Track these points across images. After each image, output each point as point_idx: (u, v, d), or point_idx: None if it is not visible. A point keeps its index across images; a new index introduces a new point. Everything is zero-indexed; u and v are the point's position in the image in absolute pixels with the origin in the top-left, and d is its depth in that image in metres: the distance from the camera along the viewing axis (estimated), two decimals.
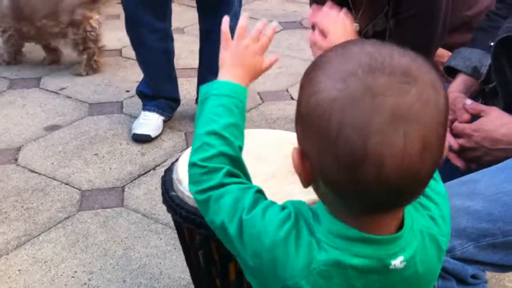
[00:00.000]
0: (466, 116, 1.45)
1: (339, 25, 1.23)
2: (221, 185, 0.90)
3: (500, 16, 1.59)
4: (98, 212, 2.21)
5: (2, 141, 2.69)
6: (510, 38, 1.37)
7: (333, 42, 1.18)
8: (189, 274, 1.59)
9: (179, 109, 2.88)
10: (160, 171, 2.37)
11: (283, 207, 0.86)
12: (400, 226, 0.82)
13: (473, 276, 1.24)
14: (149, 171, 2.47)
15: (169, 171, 1.42)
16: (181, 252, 1.54)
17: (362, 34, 1.92)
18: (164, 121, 2.79)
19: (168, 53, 2.75)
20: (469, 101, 1.48)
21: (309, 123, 0.75)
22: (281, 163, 1.35)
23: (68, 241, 2.05)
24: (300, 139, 0.80)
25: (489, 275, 1.52)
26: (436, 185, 0.92)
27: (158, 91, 2.76)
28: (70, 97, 3.12)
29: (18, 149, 2.63)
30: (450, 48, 1.85)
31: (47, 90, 3.20)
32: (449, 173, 1.13)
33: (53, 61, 3.52)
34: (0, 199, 2.27)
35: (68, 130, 2.79)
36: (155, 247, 2.02)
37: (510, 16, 1.45)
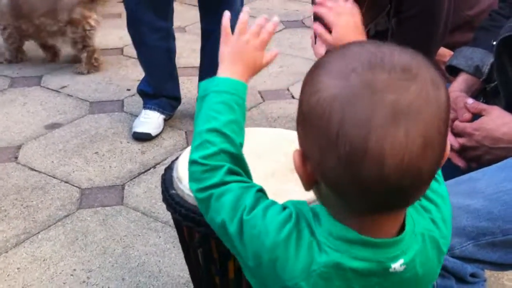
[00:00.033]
0: (467, 115, 1.45)
1: (345, 17, 1.19)
2: (222, 183, 0.90)
3: (503, 15, 1.59)
4: (98, 210, 2.21)
5: (2, 139, 2.69)
6: None
7: (338, 36, 1.17)
8: (188, 272, 1.59)
9: (180, 107, 2.88)
10: (160, 169, 2.36)
11: (284, 207, 0.86)
12: (402, 229, 0.81)
13: (472, 275, 1.24)
14: (149, 169, 2.47)
15: (169, 169, 1.42)
16: (181, 250, 1.54)
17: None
18: (165, 120, 2.79)
19: (170, 52, 2.75)
20: (470, 100, 1.48)
21: (310, 123, 0.75)
22: (281, 161, 1.35)
23: (68, 239, 2.05)
24: (301, 140, 0.79)
25: (488, 273, 1.51)
26: (438, 186, 0.91)
27: (159, 90, 2.75)
28: (71, 96, 3.12)
29: (19, 147, 2.63)
30: (451, 47, 1.85)
31: (48, 88, 3.20)
32: (450, 172, 1.12)
33: (53, 59, 3.51)
34: (0, 197, 2.27)
35: (69, 129, 2.79)
36: (155, 245, 2.02)
37: None
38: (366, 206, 0.76)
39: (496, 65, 1.44)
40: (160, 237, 2.06)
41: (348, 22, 1.18)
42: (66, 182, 2.37)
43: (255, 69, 1.06)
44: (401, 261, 0.79)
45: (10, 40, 3.41)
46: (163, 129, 2.75)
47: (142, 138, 2.67)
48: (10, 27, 3.34)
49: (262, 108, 2.98)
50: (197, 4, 2.73)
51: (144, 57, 2.77)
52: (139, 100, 2.88)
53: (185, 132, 2.76)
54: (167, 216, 2.06)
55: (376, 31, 1.95)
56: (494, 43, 1.44)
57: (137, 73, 3.16)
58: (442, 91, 0.74)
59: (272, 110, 2.97)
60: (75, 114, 2.92)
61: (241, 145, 0.96)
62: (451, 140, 1.41)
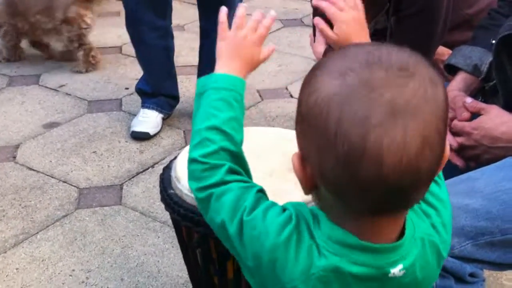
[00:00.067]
0: (466, 114, 1.45)
1: (348, 12, 1.15)
2: (223, 182, 0.89)
3: (502, 14, 1.59)
4: (96, 210, 2.20)
5: (0, 139, 2.69)
6: (511, 36, 1.36)
7: (341, 32, 1.15)
8: (187, 273, 1.59)
9: (178, 106, 2.87)
10: (159, 169, 2.36)
11: (284, 209, 0.85)
12: (401, 234, 0.80)
13: (471, 275, 1.24)
14: (147, 169, 2.46)
15: (167, 169, 1.42)
16: (179, 250, 1.54)
17: None
18: (163, 119, 2.78)
19: (168, 51, 2.75)
20: (469, 99, 1.47)
21: (308, 123, 0.75)
22: (280, 161, 1.35)
23: (66, 239, 2.04)
24: (300, 142, 0.79)
25: (486, 273, 1.51)
26: (438, 191, 0.90)
27: (158, 89, 2.75)
28: (69, 94, 3.11)
29: (17, 146, 2.63)
30: (450, 46, 1.84)
31: (46, 87, 3.20)
32: (448, 171, 1.12)
33: (50, 57, 3.51)
34: None
35: (67, 128, 2.78)
36: (153, 245, 2.01)
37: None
38: (366, 207, 0.75)
39: (495, 64, 1.44)
40: (158, 237, 2.05)
41: (351, 18, 1.15)
42: (64, 181, 2.37)
43: (253, 65, 1.05)
44: (400, 266, 0.79)
45: (7, 37, 3.40)
46: (161, 128, 2.74)
47: (140, 137, 2.66)
48: (6, 25, 3.34)
49: (260, 107, 2.98)
50: (196, 3, 2.73)
51: (142, 56, 2.76)
52: (137, 99, 2.88)
53: (184, 131, 2.76)
54: (166, 216, 2.05)
55: (375, 30, 1.95)
56: (493, 42, 1.43)
57: (135, 71, 3.16)
58: (441, 90, 0.73)
59: (271, 109, 2.97)
60: (73, 113, 2.92)
61: (241, 142, 0.95)
62: (449, 139, 1.40)
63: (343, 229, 0.79)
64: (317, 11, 1.25)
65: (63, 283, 1.85)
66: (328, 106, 0.71)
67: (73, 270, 1.91)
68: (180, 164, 1.36)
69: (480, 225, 1.20)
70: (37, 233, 2.08)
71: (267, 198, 0.89)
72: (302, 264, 0.80)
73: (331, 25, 1.19)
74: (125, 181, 2.37)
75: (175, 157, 1.43)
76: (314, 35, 1.99)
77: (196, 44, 2.87)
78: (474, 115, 1.44)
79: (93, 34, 3.53)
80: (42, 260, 1.95)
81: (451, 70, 1.61)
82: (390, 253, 0.79)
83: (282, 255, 0.81)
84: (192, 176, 0.93)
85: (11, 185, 2.34)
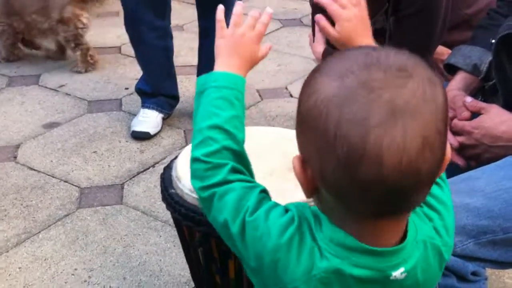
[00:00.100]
0: (466, 114, 1.45)
1: (350, 10, 1.14)
2: (226, 182, 0.89)
3: (501, 14, 1.59)
4: (98, 209, 2.21)
5: (1, 139, 2.69)
6: (511, 36, 1.37)
7: (342, 30, 1.13)
8: (189, 271, 1.59)
9: (178, 106, 2.88)
10: (159, 168, 2.36)
11: (286, 210, 0.85)
12: (404, 236, 0.81)
13: (474, 273, 1.24)
14: (148, 168, 2.47)
15: (168, 168, 1.42)
16: (181, 249, 1.54)
17: None
18: (163, 119, 2.78)
19: (167, 51, 2.75)
20: (469, 99, 1.48)
21: (308, 125, 0.75)
22: (280, 160, 1.35)
23: (68, 239, 2.05)
24: (300, 144, 0.79)
25: (489, 271, 1.52)
26: (441, 194, 0.90)
27: (157, 89, 2.75)
28: (69, 95, 3.12)
29: (17, 146, 2.63)
30: (449, 45, 1.85)
31: (46, 87, 3.20)
32: (449, 170, 1.13)
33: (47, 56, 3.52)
34: None
35: (67, 128, 2.78)
36: (155, 244, 2.02)
37: (511, 14, 1.45)
38: (367, 210, 0.75)
39: (495, 63, 1.45)
40: (160, 236, 2.06)
41: (353, 15, 1.14)
42: (65, 181, 2.37)
43: (252, 63, 1.05)
44: (402, 269, 0.79)
45: (4, 37, 3.40)
46: (161, 128, 2.75)
47: (140, 137, 2.67)
48: (2, 24, 3.33)
49: (260, 107, 2.99)
50: (194, 3, 2.73)
51: (142, 56, 2.77)
52: (137, 99, 2.88)
53: (184, 131, 2.76)
54: (167, 215, 2.06)
55: (374, 29, 1.95)
56: (493, 41, 1.44)
57: (135, 71, 3.16)
58: (440, 91, 0.73)
59: (271, 108, 2.97)
60: (74, 113, 2.92)
61: (243, 141, 0.95)
62: (450, 138, 1.41)
63: (344, 231, 0.79)
64: (317, 10, 1.23)
65: (65, 282, 1.86)
66: (327, 108, 0.71)
67: (76, 269, 1.92)
68: (180, 164, 1.36)
69: (482, 223, 1.20)
70: (39, 232, 2.08)
71: (269, 199, 0.89)
72: (303, 265, 0.80)
73: (332, 23, 1.17)
74: (126, 181, 2.38)
75: (176, 157, 1.43)
76: (314, 35, 2.00)
77: (195, 44, 2.87)
78: (474, 114, 1.45)
79: (92, 34, 3.54)
80: (45, 259, 1.96)
81: (450, 69, 1.62)
82: (391, 256, 0.79)
83: (284, 256, 0.81)
84: (194, 175, 0.93)
85: (12, 185, 2.35)
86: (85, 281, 1.86)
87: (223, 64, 1.00)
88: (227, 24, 1.05)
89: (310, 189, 0.80)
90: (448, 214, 0.89)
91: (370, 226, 0.78)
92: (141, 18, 2.59)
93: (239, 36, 1.03)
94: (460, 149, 1.43)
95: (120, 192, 2.31)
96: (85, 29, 3.30)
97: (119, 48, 3.67)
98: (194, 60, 2.90)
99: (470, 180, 1.27)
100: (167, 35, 2.72)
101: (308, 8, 2.44)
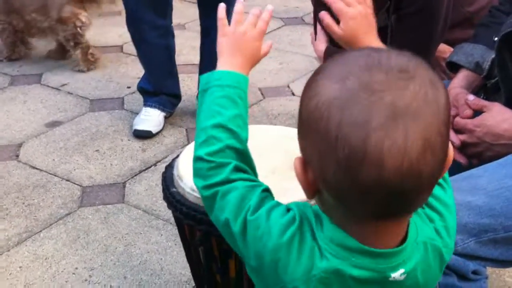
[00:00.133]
0: (468, 112, 1.45)
1: (355, 7, 1.13)
2: (228, 181, 0.89)
3: (503, 11, 1.59)
4: (99, 208, 2.21)
5: (3, 138, 2.69)
6: None
7: (347, 28, 1.13)
8: (189, 270, 1.59)
9: (180, 105, 2.88)
10: (161, 167, 2.37)
11: (288, 209, 0.85)
12: (404, 238, 0.80)
13: (474, 272, 1.24)
14: (150, 167, 2.47)
15: (169, 167, 1.42)
16: (182, 248, 1.54)
17: None
18: (165, 117, 2.79)
19: (169, 50, 2.75)
20: (471, 97, 1.47)
21: (309, 127, 0.74)
22: (282, 159, 1.35)
23: (69, 238, 2.05)
24: (302, 147, 0.78)
25: (489, 270, 1.52)
26: (443, 195, 0.90)
27: (159, 87, 2.75)
28: (71, 93, 3.12)
29: (20, 145, 2.63)
30: (451, 43, 1.85)
31: (48, 86, 3.20)
32: (451, 169, 1.12)
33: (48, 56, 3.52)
34: (1, 196, 2.27)
35: (69, 126, 2.79)
36: (156, 243, 2.02)
37: None
38: (368, 212, 0.75)
39: (497, 61, 1.44)
40: (161, 235, 2.06)
41: (358, 13, 1.13)
42: (67, 180, 2.37)
43: (254, 60, 1.04)
44: (401, 270, 0.79)
45: (4, 35, 3.40)
46: (163, 126, 2.75)
47: (142, 135, 2.67)
48: (2, 23, 3.33)
49: (262, 105, 2.98)
50: (196, 1, 2.73)
51: (144, 55, 2.77)
52: (139, 97, 2.88)
53: (186, 130, 2.76)
54: (169, 214, 2.06)
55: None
56: (496, 39, 1.43)
57: (137, 70, 3.16)
58: (441, 92, 0.73)
59: (273, 107, 2.97)
60: (76, 112, 2.92)
61: (246, 139, 0.95)
62: (452, 136, 1.41)
63: (345, 231, 0.79)
64: (320, 7, 1.22)
65: (66, 281, 1.86)
66: (328, 110, 0.71)
67: (76, 268, 1.91)
68: (182, 163, 1.36)
69: (483, 222, 1.19)
70: (40, 231, 2.08)
71: (272, 197, 0.89)
72: (303, 265, 0.80)
73: (336, 20, 1.16)
74: (128, 179, 2.38)
75: (178, 156, 1.43)
76: (315, 33, 2.00)
77: (197, 42, 2.87)
78: (477, 112, 1.44)
79: (94, 33, 3.54)
80: (46, 258, 1.96)
81: (453, 67, 1.62)
82: (391, 258, 0.79)
83: (284, 255, 0.81)
84: (197, 174, 0.93)
85: (14, 184, 2.35)
86: (86, 280, 1.86)
87: (225, 62, 1.00)
88: (229, 22, 1.04)
89: (311, 190, 0.79)
90: (450, 215, 0.89)
91: (371, 228, 0.78)
92: (142, 17, 2.59)
93: (240, 33, 1.03)
94: (462, 147, 1.43)
95: (122, 190, 2.31)
96: (84, 28, 3.29)
97: (121, 47, 3.67)
98: (196, 59, 2.90)
99: (472, 178, 1.27)
100: (168, 34, 2.72)
101: (309, 6, 2.44)
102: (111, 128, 2.77)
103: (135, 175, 2.41)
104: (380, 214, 0.75)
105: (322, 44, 1.95)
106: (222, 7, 1.05)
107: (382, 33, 1.90)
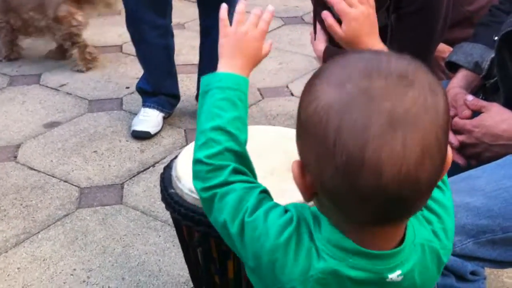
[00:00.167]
0: (467, 112, 1.44)
1: (358, 8, 1.13)
2: (227, 183, 0.89)
3: (503, 11, 1.58)
4: (97, 209, 2.20)
5: (1, 138, 2.69)
6: None
7: (349, 29, 1.13)
8: (188, 272, 1.59)
9: (179, 105, 2.87)
10: (160, 168, 2.36)
11: (286, 210, 0.85)
12: (402, 239, 0.80)
13: (472, 273, 1.23)
14: (148, 168, 2.46)
15: (168, 168, 1.42)
16: (180, 249, 1.54)
17: None
18: (164, 118, 2.78)
19: (168, 49, 2.75)
20: (470, 97, 1.47)
21: (307, 131, 0.74)
22: (280, 160, 1.34)
23: (67, 239, 2.04)
24: (300, 150, 0.78)
25: (487, 271, 1.51)
26: (442, 197, 0.89)
27: (158, 88, 2.75)
28: (70, 94, 3.11)
29: (18, 146, 2.63)
30: (451, 43, 1.84)
31: (47, 86, 3.20)
32: (449, 169, 1.12)
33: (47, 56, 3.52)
34: None
35: (68, 127, 2.78)
36: (154, 244, 2.01)
37: None
38: (366, 217, 0.75)
39: (497, 61, 1.43)
40: (159, 236, 2.05)
41: (361, 14, 1.13)
42: (65, 181, 2.37)
43: (255, 61, 1.05)
44: (398, 272, 0.79)
45: (2, 33, 3.40)
46: (162, 127, 2.74)
47: (141, 136, 2.66)
48: (0, 21, 3.33)
49: (261, 106, 2.98)
50: (196, 1, 2.72)
51: (143, 55, 2.76)
52: (138, 98, 2.87)
53: (184, 130, 2.76)
54: (167, 215, 2.05)
55: None
56: (496, 38, 1.43)
57: (136, 70, 3.16)
58: (441, 98, 0.72)
59: (272, 107, 2.96)
60: (74, 113, 2.92)
61: (245, 142, 0.95)
62: (450, 137, 1.40)
63: (342, 233, 0.79)
64: (320, 7, 1.21)
65: (64, 283, 1.85)
66: (327, 115, 0.71)
67: (74, 269, 1.91)
68: (180, 164, 1.36)
69: (481, 223, 1.19)
70: (38, 232, 2.08)
71: (270, 199, 0.89)
72: (301, 265, 0.80)
73: (337, 19, 1.16)
74: (126, 180, 2.37)
75: (176, 157, 1.42)
76: (315, 32, 1.99)
77: (196, 42, 2.87)
78: (475, 112, 1.44)
79: (94, 33, 3.54)
80: (43, 260, 1.95)
81: (452, 67, 1.61)
82: (389, 259, 0.79)
83: (281, 256, 0.81)
84: (196, 176, 0.93)
85: (12, 185, 2.34)
86: (84, 281, 1.86)
87: (226, 64, 1.01)
88: (230, 23, 1.05)
89: (308, 193, 0.79)
90: (448, 217, 0.89)
91: (368, 232, 0.78)
92: (142, 17, 2.59)
93: (242, 34, 1.03)
94: (460, 148, 1.42)
95: (120, 192, 2.30)
96: (81, 27, 3.29)
97: (120, 47, 3.66)
98: (196, 59, 2.90)
99: (470, 179, 1.27)
100: (168, 34, 2.71)
101: (309, 6, 2.43)
102: (109, 129, 2.76)
103: (133, 176, 2.40)
104: (378, 219, 0.75)
105: (321, 44, 1.94)
106: (224, 7, 1.05)
107: (382, 32, 1.90)
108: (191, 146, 1.39)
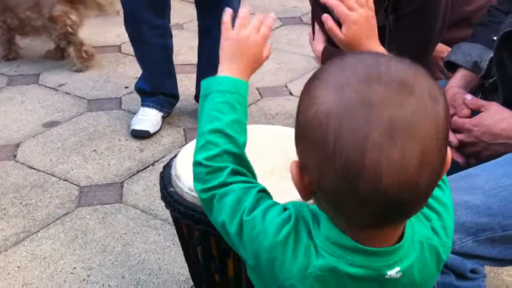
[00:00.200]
0: (466, 111, 1.45)
1: (358, 12, 1.13)
2: (225, 184, 0.90)
3: (501, 11, 1.59)
4: (97, 208, 2.20)
5: (1, 138, 2.69)
6: None
7: (349, 32, 1.14)
8: (188, 270, 1.59)
9: (178, 105, 2.88)
10: (159, 167, 2.36)
11: (285, 208, 0.86)
12: (401, 237, 0.81)
13: (472, 271, 1.24)
14: (147, 167, 2.47)
15: (167, 167, 1.42)
16: (180, 248, 1.54)
17: None
18: (163, 117, 2.78)
19: (167, 49, 2.75)
20: (469, 96, 1.47)
21: (307, 135, 0.74)
22: (280, 159, 1.35)
23: (67, 237, 2.05)
24: (299, 152, 0.79)
25: (487, 269, 1.52)
26: (441, 195, 0.90)
27: (157, 87, 2.75)
28: (69, 93, 3.11)
29: (17, 145, 2.63)
30: (449, 43, 1.84)
31: (46, 86, 3.20)
32: (449, 168, 1.13)
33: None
34: None
35: (67, 127, 2.78)
36: (154, 243, 2.02)
37: None
38: (365, 220, 0.75)
39: (496, 60, 1.44)
40: (159, 234, 2.06)
41: (360, 17, 1.13)
42: (65, 180, 2.37)
43: (256, 65, 1.05)
44: (397, 268, 0.80)
45: None
46: (161, 126, 2.74)
47: (140, 135, 2.67)
48: None
49: (260, 105, 2.98)
50: (194, 1, 2.73)
51: (141, 55, 2.76)
52: (137, 97, 2.88)
53: (184, 130, 2.76)
54: (166, 213, 2.06)
55: None
56: (495, 38, 1.43)
57: (135, 70, 3.16)
58: (441, 105, 0.72)
59: (271, 107, 2.97)
60: (73, 112, 2.92)
61: (244, 144, 0.96)
62: (450, 136, 1.40)
63: (341, 230, 0.79)
64: (318, 9, 1.22)
65: (64, 281, 1.86)
66: (327, 121, 0.71)
67: (74, 268, 1.91)
68: (180, 163, 1.36)
69: (481, 221, 1.20)
70: (38, 231, 2.08)
71: (268, 198, 0.90)
72: (299, 263, 0.80)
73: (337, 22, 1.16)
74: (126, 179, 2.38)
75: (175, 155, 1.43)
76: (313, 33, 2.00)
77: (195, 42, 2.87)
78: (474, 112, 1.44)
79: (92, 33, 3.54)
80: (43, 258, 1.95)
81: (451, 67, 1.61)
82: (387, 256, 0.79)
83: (280, 254, 0.82)
84: (196, 178, 0.95)
85: (11, 184, 2.34)
86: (84, 280, 1.86)
87: (227, 67, 1.01)
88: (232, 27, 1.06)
89: (306, 193, 0.80)
90: (448, 215, 0.90)
91: (367, 232, 0.78)
92: (141, 17, 2.59)
93: (244, 37, 1.04)
94: (460, 147, 1.43)
95: (119, 190, 2.31)
96: (75, 27, 3.28)
97: (119, 47, 3.66)
98: (194, 59, 2.90)
99: (469, 177, 1.27)
100: (166, 34, 2.72)
101: (308, 6, 2.43)
102: (108, 128, 2.76)
103: (133, 175, 2.40)
104: (377, 222, 0.76)
105: (320, 44, 1.95)
106: (227, 12, 1.06)
107: (380, 33, 1.91)
108: (190, 145, 1.40)
